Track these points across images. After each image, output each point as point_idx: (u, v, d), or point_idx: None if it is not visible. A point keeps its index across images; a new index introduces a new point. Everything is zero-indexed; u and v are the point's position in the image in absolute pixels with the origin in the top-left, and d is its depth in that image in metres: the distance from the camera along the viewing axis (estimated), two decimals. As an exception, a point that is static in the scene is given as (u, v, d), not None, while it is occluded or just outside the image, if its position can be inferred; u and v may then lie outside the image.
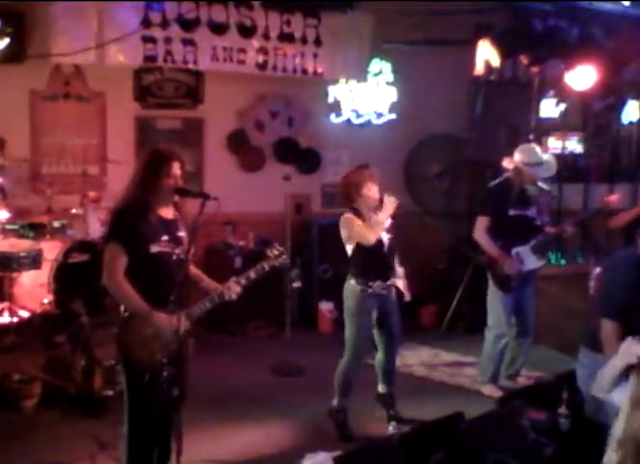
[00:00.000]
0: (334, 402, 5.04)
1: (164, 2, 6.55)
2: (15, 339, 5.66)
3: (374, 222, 4.81)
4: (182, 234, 3.73)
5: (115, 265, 3.54)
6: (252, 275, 3.82)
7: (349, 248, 4.95)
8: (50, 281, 6.04)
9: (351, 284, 4.95)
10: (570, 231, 5.67)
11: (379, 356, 5.13)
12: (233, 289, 3.74)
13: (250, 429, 5.04)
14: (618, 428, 2.16)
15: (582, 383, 3.93)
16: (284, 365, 6.29)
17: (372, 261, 4.87)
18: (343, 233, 4.92)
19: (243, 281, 3.77)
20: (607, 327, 3.78)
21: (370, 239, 4.77)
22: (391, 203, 4.83)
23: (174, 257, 3.65)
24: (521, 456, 3.82)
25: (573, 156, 8.97)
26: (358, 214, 4.90)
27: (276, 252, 3.95)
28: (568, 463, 3.62)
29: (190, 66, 6.93)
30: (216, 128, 7.74)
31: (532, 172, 5.56)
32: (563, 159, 7.96)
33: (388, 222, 4.88)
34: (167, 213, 3.72)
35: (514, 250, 5.59)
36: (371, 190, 4.90)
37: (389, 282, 5.00)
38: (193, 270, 3.91)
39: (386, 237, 4.94)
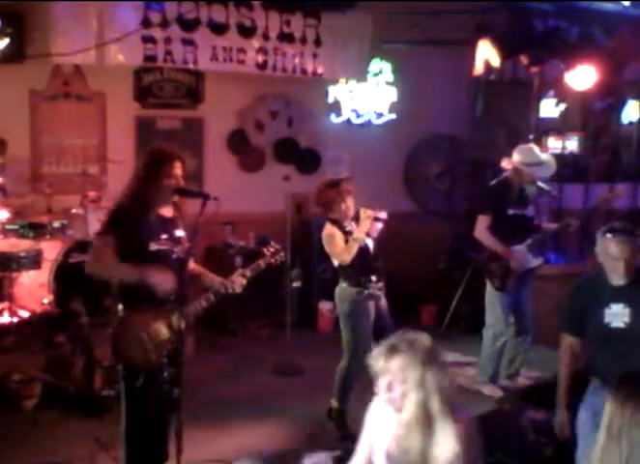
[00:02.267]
0: (334, 403, 5.03)
1: (164, 2, 6.55)
2: (15, 339, 5.67)
3: (351, 241, 4.84)
4: (181, 233, 3.74)
5: (101, 251, 3.58)
6: (249, 272, 3.83)
7: (332, 256, 5.00)
8: (50, 281, 6.04)
9: (344, 287, 4.96)
10: (576, 224, 5.67)
11: None
12: (238, 281, 3.75)
13: (250, 429, 5.04)
14: (594, 460, 2.07)
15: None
16: (284, 365, 6.29)
17: (361, 265, 4.89)
18: (325, 247, 4.98)
19: (248, 274, 3.78)
20: (562, 341, 3.70)
21: (346, 259, 4.83)
22: (366, 218, 4.85)
23: (173, 256, 3.65)
24: (521, 456, 3.83)
25: (573, 156, 8.97)
26: (337, 223, 4.94)
27: (272, 250, 3.96)
28: (568, 463, 3.62)
29: (190, 66, 6.93)
30: (216, 128, 7.74)
31: (530, 172, 5.56)
32: (563, 159, 7.96)
33: (364, 237, 4.89)
34: (167, 212, 3.73)
35: (512, 249, 5.60)
36: (344, 205, 4.93)
37: (380, 283, 5.02)
38: (195, 266, 3.92)
39: (370, 243, 4.99)
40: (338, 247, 4.87)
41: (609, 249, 3.33)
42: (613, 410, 1.96)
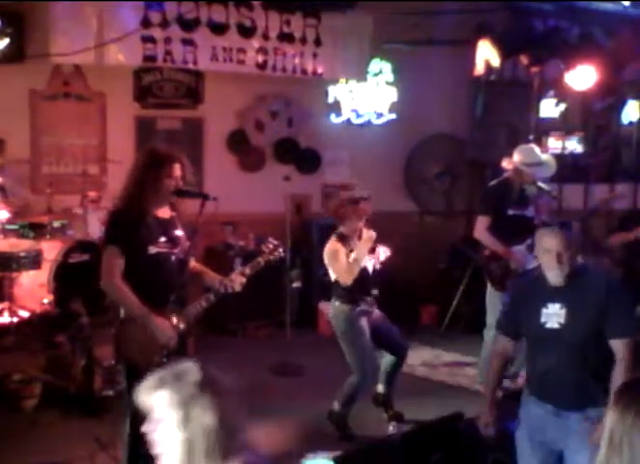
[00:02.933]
0: (336, 407, 5.03)
1: (164, 2, 6.55)
2: (15, 339, 5.66)
3: (352, 261, 4.84)
4: (179, 234, 3.73)
5: (113, 268, 3.53)
6: (248, 270, 3.83)
7: (332, 273, 5.01)
8: (50, 281, 6.04)
9: (337, 306, 4.97)
10: (575, 226, 5.66)
11: (389, 358, 5.13)
12: (237, 280, 3.75)
13: (250, 429, 5.02)
14: None
15: None
16: (284, 365, 6.29)
17: (357, 283, 4.90)
18: (326, 262, 4.98)
19: (247, 272, 3.79)
20: (495, 342, 3.67)
21: (347, 280, 4.84)
22: (366, 240, 4.88)
23: (173, 257, 3.65)
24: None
25: (573, 156, 8.97)
26: (343, 239, 4.94)
27: (271, 246, 3.96)
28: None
29: (190, 66, 6.93)
30: (216, 128, 7.74)
31: (531, 172, 5.57)
32: (563, 159, 7.97)
33: (367, 259, 4.92)
34: (164, 212, 3.72)
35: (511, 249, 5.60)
36: (353, 226, 4.95)
37: (373, 298, 5.04)
38: (195, 265, 3.92)
39: (370, 262, 5.00)
40: (342, 265, 4.86)
41: (542, 242, 3.27)
42: (613, 419, 1.95)
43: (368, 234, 4.89)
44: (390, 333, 5.09)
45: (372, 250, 4.98)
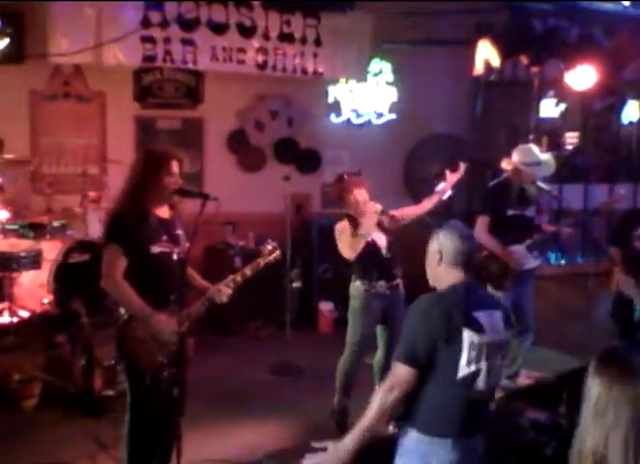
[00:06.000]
0: (336, 401, 5.04)
1: (164, 2, 6.55)
2: (15, 339, 5.66)
3: (359, 235, 4.84)
4: (179, 233, 3.74)
5: (114, 267, 3.52)
6: (248, 272, 3.84)
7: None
8: (50, 281, 6.04)
9: (356, 285, 5.00)
10: (568, 233, 5.68)
11: (379, 354, 5.15)
12: (223, 292, 3.75)
13: (250, 429, 5.03)
14: (579, 441, 2.07)
15: None
16: (284, 365, 6.29)
17: (373, 263, 4.92)
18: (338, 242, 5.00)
19: (238, 279, 3.80)
20: None
21: (349, 255, 4.86)
22: (371, 214, 4.86)
23: (174, 256, 3.65)
24: (521, 456, 3.83)
25: (573, 156, 8.98)
26: (352, 219, 4.95)
27: (269, 248, 3.97)
28: (568, 462, 3.61)
29: (190, 66, 6.94)
30: (216, 128, 7.75)
31: (530, 172, 5.57)
32: (563, 159, 7.97)
33: (373, 233, 4.88)
34: (163, 212, 3.72)
35: (509, 249, 5.59)
36: (352, 199, 4.94)
37: (394, 282, 5.02)
38: (189, 269, 3.92)
39: (384, 239, 4.97)
40: (343, 243, 4.90)
41: None
42: (599, 390, 2.03)
43: (373, 208, 4.87)
44: (392, 329, 5.09)
45: (379, 225, 4.94)
